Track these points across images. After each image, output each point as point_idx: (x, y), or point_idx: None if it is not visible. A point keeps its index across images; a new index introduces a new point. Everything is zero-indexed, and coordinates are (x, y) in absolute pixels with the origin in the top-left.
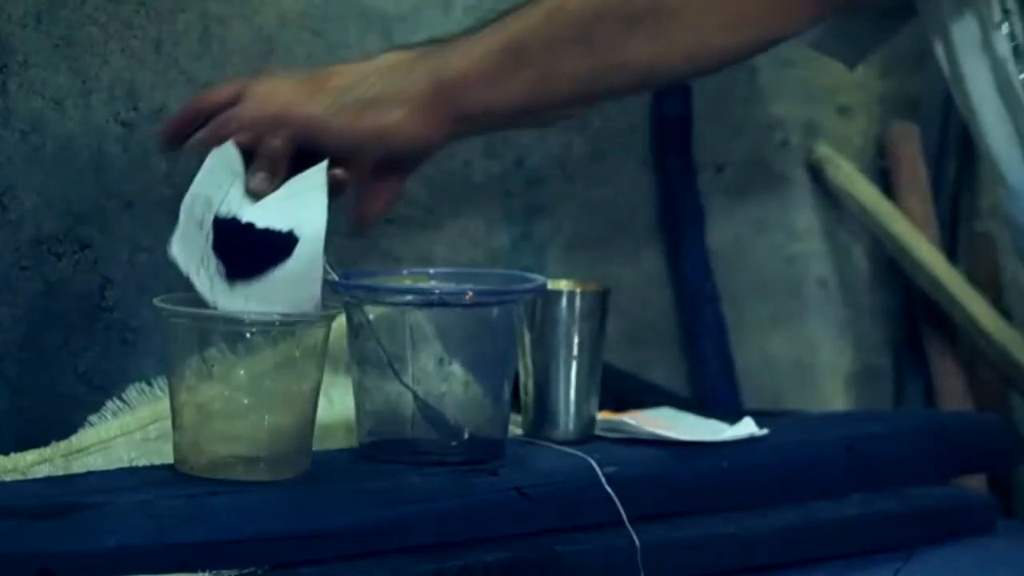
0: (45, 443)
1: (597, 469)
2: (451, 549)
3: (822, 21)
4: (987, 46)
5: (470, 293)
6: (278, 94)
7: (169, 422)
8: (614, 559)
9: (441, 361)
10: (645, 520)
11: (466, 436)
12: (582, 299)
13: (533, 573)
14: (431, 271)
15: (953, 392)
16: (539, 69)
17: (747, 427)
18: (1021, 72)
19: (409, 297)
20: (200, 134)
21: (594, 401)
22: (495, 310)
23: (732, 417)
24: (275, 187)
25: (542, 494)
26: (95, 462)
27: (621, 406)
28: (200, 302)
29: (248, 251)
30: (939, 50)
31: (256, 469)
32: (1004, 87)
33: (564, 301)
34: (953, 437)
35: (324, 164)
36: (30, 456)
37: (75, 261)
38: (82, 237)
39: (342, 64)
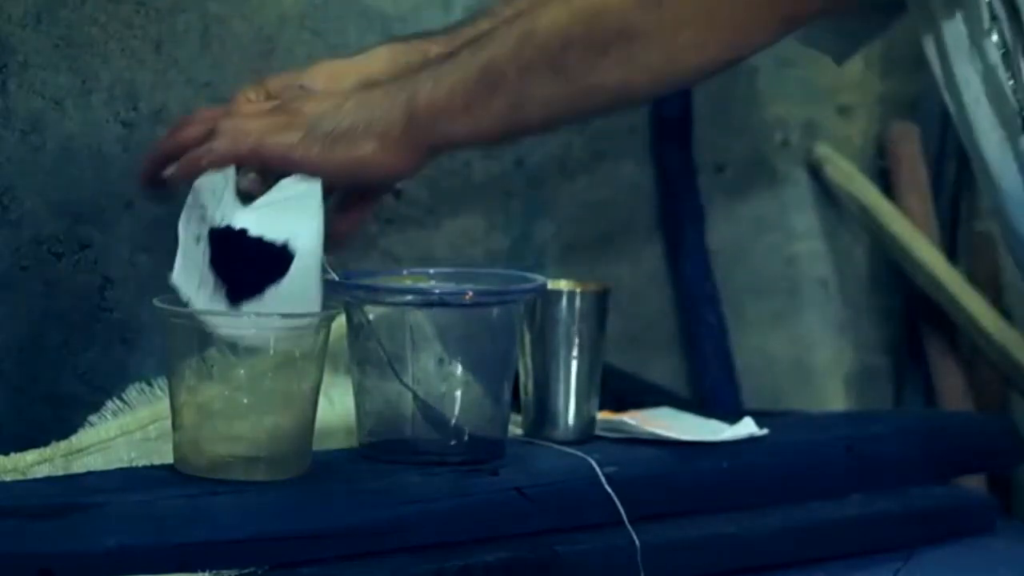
0: (45, 443)
1: (597, 469)
2: (451, 549)
3: (791, 33)
4: (977, 53)
5: (470, 293)
6: (250, 127)
7: (169, 422)
8: (614, 559)
9: (441, 361)
10: (645, 520)
11: (466, 436)
12: (582, 299)
13: (533, 573)
14: (431, 271)
15: (953, 392)
16: (512, 96)
17: (747, 427)
18: (1011, 79)
19: (409, 297)
20: (172, 169)
21: (594, 401)
22: (495, 310)
23: (732, 417)
24: (267, 187)
25: (542, 494)
26: (95, 462)
27: (621, 406)
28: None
29: (245, 268)
30: (932, 55)
31: (256, 469)
32: (995, 93)
33: (564, 301)
34: (953, 437)
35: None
36: (30, 456)
37: (75, 261)
38: (82, 237)
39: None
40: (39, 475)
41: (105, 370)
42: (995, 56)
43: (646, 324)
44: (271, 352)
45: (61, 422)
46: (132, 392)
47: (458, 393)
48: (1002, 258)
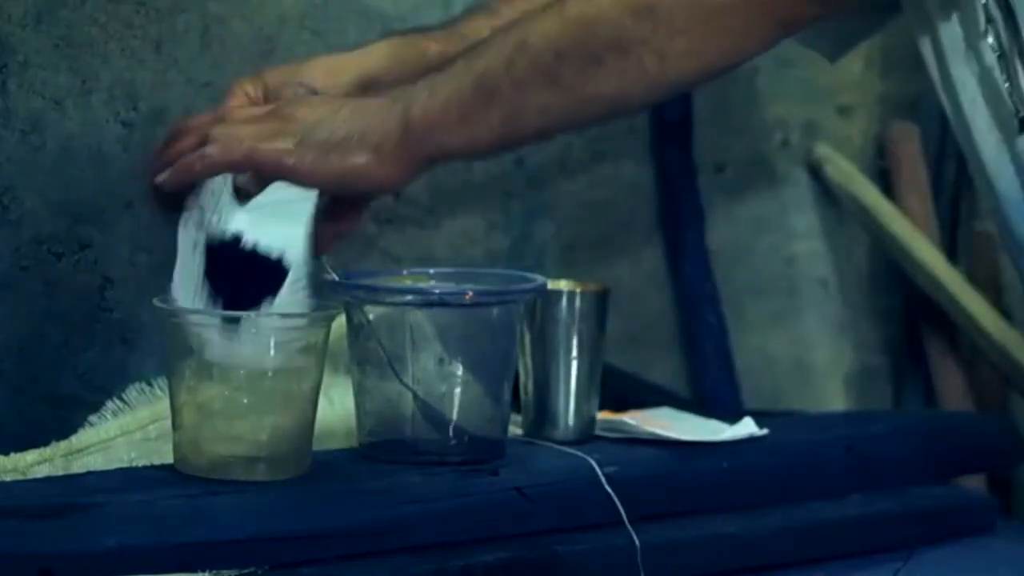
0: (45, 443)
1: (597, 469)
2: (451, 549)
3: (784, 39)
4: (973, 55)
5: (470, 293)
6: (243, 133)
7: (169, 422)
8: (614, 559)
9: (441, 361)
10: (645, 520)
11: (466, 436)
12: (582, 299)
13: (533, 573)
14: (431, 271)
15: (953, 392)
16: (507, 107)
17: (747, 427)
18: (1006, 81)
19: (409, 297)
20: (164, 176)
21: (594, 401)
22: (495, 310)
23: (732, 417)
24: (263, 187)
25: (542, 494)
26: (95, 462)
27: (621, 406)
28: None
29: (240, 282)
30: (928, 57)
31: (256, 469)
32: (991, 95)
33: (564, 301)
34: (953, 437)
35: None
36: (30, 456)
37: (75, 261)
38: (82, 237)
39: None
40: (39, 475)
41: (105, 370)
42: (991, 58)
43: (646, 324)
44: (271, 352)
45: (61, 422)
46: (132, 392)
47: (458, 393)
48: (1002, 258)
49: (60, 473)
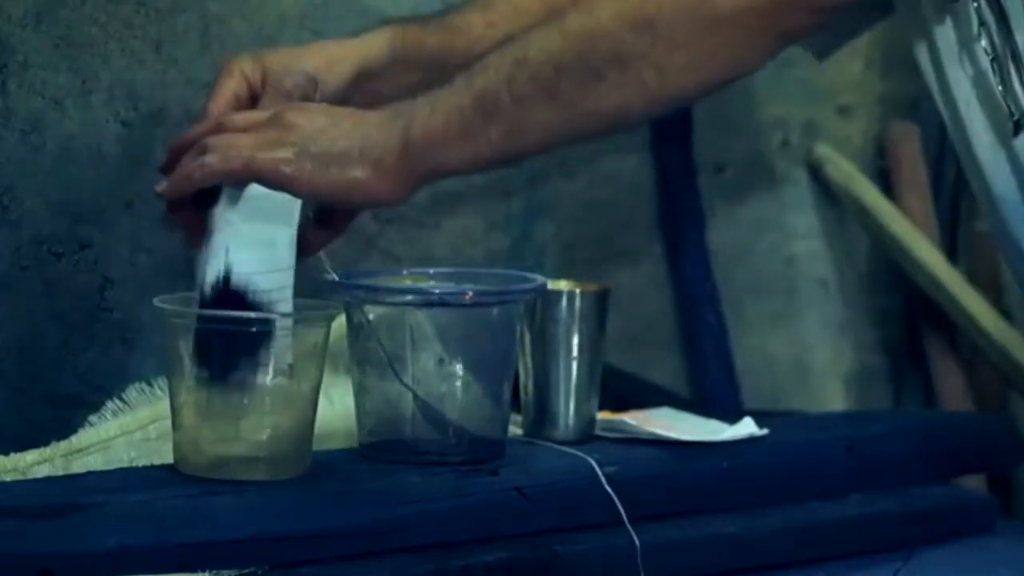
0: (45, 443)
1: (597, 469)
2: (451, 549)
3: (782, 51)
4: (967, 58)
5: (470, 293)
6: (242, 142)
7: (169, 422)
8: (614, 559)
9: (441, 361)
10: (645, 520)
11: (466, 436)
12: (582, 299)
13: (533, 573)
14: (431, 271)
15: (953, 392)
16: (507, 123)
17: (747, 427)
18: (1000, 84)
19: (409, 297)
20: (163, 186)
21: (594, 401)
22: (495, 310)
23: (732, 417)
24: None
25: (542, 494)
26: (95, 462)
27: (621, 406)
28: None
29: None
30: (924, 61)
31: (256, 469)
32: (986, 98)
33: (564, 301)
34: (953, 437)
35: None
36: (30, 456)
37: (75, 261)
38: (82, 237)
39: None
40: (39, 475)
41: (105, 370)
42: (984, 62)
43: (646, 324)
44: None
45: (61, 422)
46: (132, 392)
47: (458, 393)
48: (1002, 258)
49: (60, 473)
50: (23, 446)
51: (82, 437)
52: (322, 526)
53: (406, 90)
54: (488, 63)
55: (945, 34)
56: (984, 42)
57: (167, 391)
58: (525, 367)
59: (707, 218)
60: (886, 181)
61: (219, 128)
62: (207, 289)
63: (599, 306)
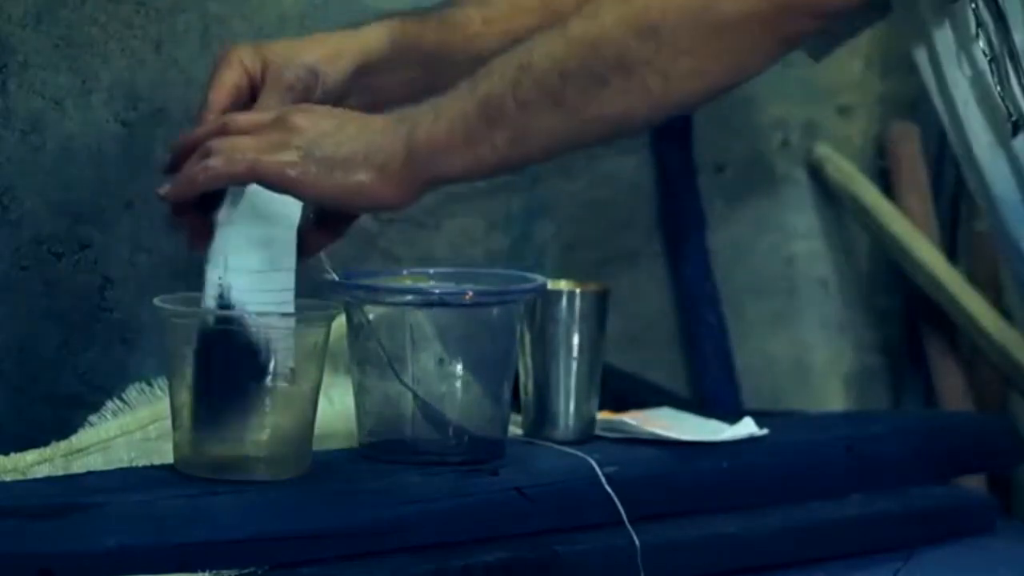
0: (45, 443)
1: (597, 469)
2: (451, 549)
3: (785, 55)
4: (966, 58)
5: (470, 293)
6: (245, 145)
7: (169, 422)
8: (614, 559)
9: (441, 361)
10: (645, 520)
11: (466, 436)
12: (582, 299)
13: (533, 573)
14: (431, 271)
15: (953, 392)
16: (512, 130)
17: (747, 427)
18: (998, 84)
19: (409, 297)
20: (166, 189)
21: (594, 401)
22: (495, 310)
23: (732, 417)
24: None
25: (542, 494)
26: (95, 462)
27: (621, 406)
28: (199, 301)
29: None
30: (923, 64)
31: (256, 469)
32: (984, 99)
33: (564, 301)
34: (953, 437)
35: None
36: (30, 456)
37: (75, 261)
38: (82, 237)
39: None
40: (39, 475)
41: (105, 370)
42: (983, 63)
43: (646, 324)
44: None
45: (61, 422)
46: (132, 392)
47: (458, 393)
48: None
49: (60, 473)
50: (23, 446)
51: (82, 437)
52: (322, 526)
53: (403, 86)
54: (492, 69)
55: (943, 35)
56: (982, 43)
57: (167, 391)
58: (525, 367)
59: (707, 218)
60: (886, 181)
61: (222, 129)
62: (209, 302)
63: (599, 306)
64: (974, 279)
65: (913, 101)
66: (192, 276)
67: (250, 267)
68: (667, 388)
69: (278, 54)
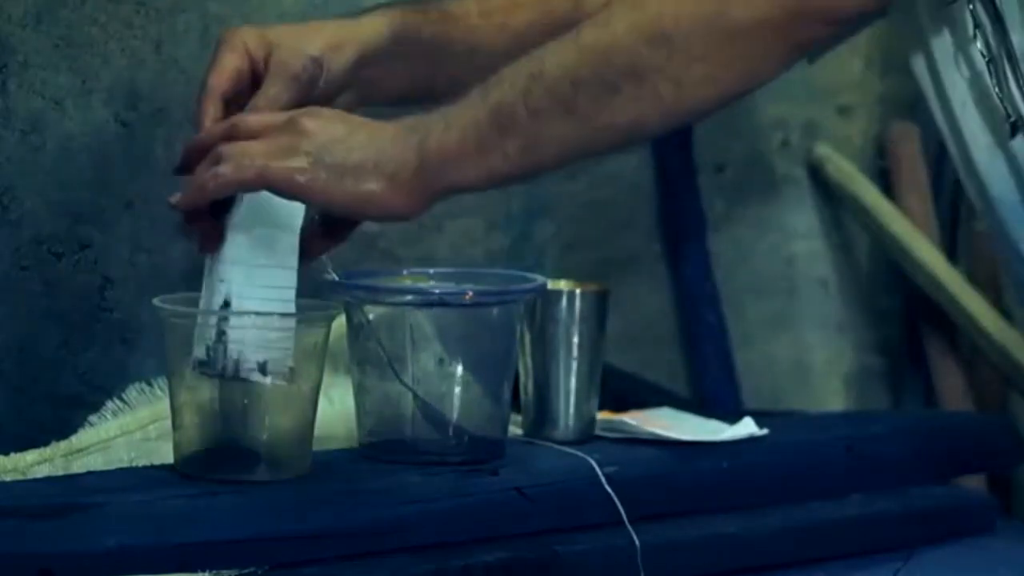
0: (45, 443)
1: (597, 469)
2: (451, 549)
3: (796, 62)
4: (964, 60)
5: (470, 293)
6: (254, 150)
7: (169, 422)
8: (614, 559)
9: (441, 361)
10: (645, 520)
11: (466, 436)
12: (582, 299)
13: (533, 573)
14: (431, 271)
15: (953, 392)
16: (524, 138)
17: (747, 427)
18: (996, 86)
19: (409, 297)
20: (176, 198)
21: (594, 401)
22: (495, 310)
23: (732, 417)
24: None
25: (542, 494)
26: (95, 462)
27: (621, 406)
28: (199, 301)
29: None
30: (921, 70)
31: (256, 469)
32: (982, 100)
33: (564, 301)
34: (953, 437)
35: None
36: (30, 456)
37: (75, 261)
38: (82, 237)
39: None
40: (39, 475)
41: (105, 370)
42: (980, 64)
43: (646, 324)
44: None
45: (61, 422)
46: (132, 392)
47: (458, 393)
48: None
49: (60, 473)
50: (23, 446)
51: (82, 437)
52: (322, 526)
53: (402, 78)
54: (503, 77)
55: (941, 37)
56: (980, 44)
57: (167, 391)
58: (525, 367)
59: (707, 218)
60: (886, 181)
61: (232, 131)
62: (215, 302)
63: (599, 306)
64: (974, 279)
65: (913, 101)
66: (192, 276)
67: (251, 263)
68: (667, 388)
69: (283, 41)
